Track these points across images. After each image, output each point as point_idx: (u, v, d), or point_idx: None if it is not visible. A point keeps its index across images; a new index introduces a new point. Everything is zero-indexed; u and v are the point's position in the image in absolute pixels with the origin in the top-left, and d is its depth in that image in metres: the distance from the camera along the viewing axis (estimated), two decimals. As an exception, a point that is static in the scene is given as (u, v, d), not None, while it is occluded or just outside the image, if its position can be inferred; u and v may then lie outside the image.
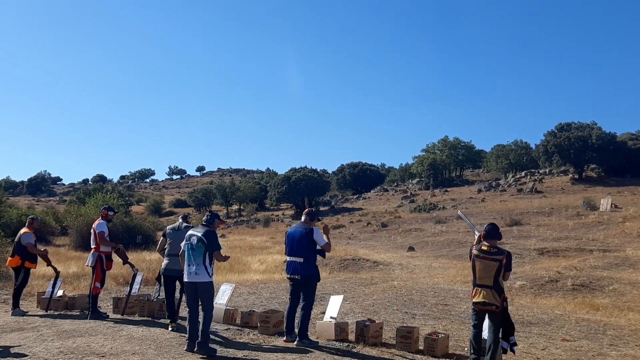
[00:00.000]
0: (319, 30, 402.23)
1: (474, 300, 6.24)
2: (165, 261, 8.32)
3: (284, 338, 7.38)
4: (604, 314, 9.93)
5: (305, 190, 62.12)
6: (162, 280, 8.49)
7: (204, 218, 7.26)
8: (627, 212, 28.82)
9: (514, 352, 6.29)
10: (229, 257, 7.44)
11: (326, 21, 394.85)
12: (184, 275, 6.94)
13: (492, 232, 6.23)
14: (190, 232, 7.06)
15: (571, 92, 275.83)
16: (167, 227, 8.73)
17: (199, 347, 6.66)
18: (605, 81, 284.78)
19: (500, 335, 6.11)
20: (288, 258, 7.48)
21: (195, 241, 6.86)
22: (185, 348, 6.78)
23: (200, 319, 6.78)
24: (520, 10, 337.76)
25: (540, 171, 59.59)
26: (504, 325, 6.14)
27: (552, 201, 38.98)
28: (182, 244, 7.10)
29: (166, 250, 8.37)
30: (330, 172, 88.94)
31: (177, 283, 8.29)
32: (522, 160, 67.08)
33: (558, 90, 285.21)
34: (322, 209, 60.75)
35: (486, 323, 6.33)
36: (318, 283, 7.47)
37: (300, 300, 7.32)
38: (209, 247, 6.80)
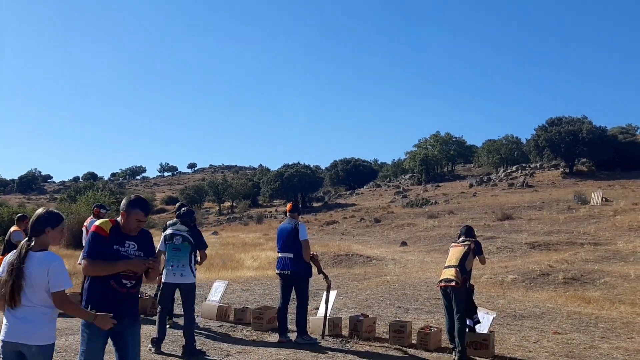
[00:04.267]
0: (310, 26, 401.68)
1: (439, 279, 6.81)
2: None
3: (280, 338, 7.30)
4: (596, 306, 10.00)
5: (298, 187, 62.08)
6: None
7: (178, 212, 7.00)
8: (618, 206, 29.02)
9: (474, 330, 6.66)
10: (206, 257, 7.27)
11: (318, 17, 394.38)
12: (164, 276, 6.74)
13: (467, 232, 7.06)
14: (171, 231, 6.84)
15: (562, 87, 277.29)
16: (167, 223, 8.63)
17: (184, 350, 6.46)
18: (596, 75, 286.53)
19: (465, 315, 6.54)
20: (279, 254, 7.46)
21: (180, 240, 6.68)
22: (152, 349, 6.63)
23: (182, 321, 6.56)
24: (510, 6, 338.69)
25: (531, 165, 59.83)
26: (468, 306, 6.59)
27: (543, 195, 39.16)
28: (160, 244, 6.87)
29: None
30: (323, 168, 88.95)
31: None
32: (513, 154, 67.28)
33: (548, 84, 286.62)
34: (315, 204, 60.79)
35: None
36: (310, 279, 7.46)
37: (296, 298, 7.30)
38: (197, 246, 6.60)
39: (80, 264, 9.09)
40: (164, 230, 8.49)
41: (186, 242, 6.67)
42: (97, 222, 3.95)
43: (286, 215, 7.64)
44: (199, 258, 7.02)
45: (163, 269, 6.72)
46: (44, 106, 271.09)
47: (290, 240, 7.26)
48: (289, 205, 7.70)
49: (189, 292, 6.65)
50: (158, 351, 6.57)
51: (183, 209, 7.17)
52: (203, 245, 6.82)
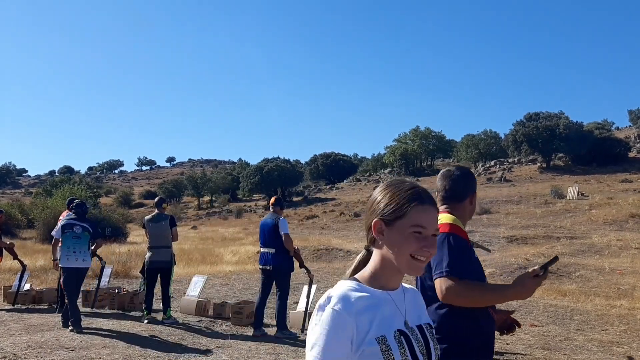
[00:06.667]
0: (290, 21, 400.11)
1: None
2: (148, 254, 8.17)
3: (254, 332, 7.28)
4: (571, 299, 10.16)
5: (278, 181, 61.95)
6: (146, 272, 8.31)
7: (71, 205, 8.10)
8: (593, 200, 29.50)
9: None
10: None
11: (298, 12, 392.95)
12: (64, 262, 7.31)
13: None
14: (69, 222, 7.54)
15: (540, 82, 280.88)
16: (145, 218, 8.52)
17: (72, 324, 7.12)
18: (573, 71, 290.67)
19: None
20: (261, 249, 7.43)
21: (80, 230, 7.45)
22: (62, 326, 7.39)
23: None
24: (490, 3, 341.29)
25: (509, 160, 60.50)
26: None
27: (520, 190, 39.64)
28: (55, 232, 7.68)
29: (148, 242, 8.21)
30: (303, 162, 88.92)
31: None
32: (491, 149, 67.96)
33: (527, 80, 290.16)
34: (295, 199, 60.73)
35: None
36: (292, 273, 7.44)
37: (276, 292, 7.27)
38: (94, 236, 7.58)
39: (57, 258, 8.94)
40: (144, 226, 8.44)
41: (86, 231, 7.45)
42: (448, 219, 2.38)
43: (268, 209, 7.60)
44: (93, 246, 7.77)
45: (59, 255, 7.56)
46: (19, 98, 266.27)
47: (271, 236, 7.23)
48: (272, 199, 7.66)
49: (85, 275, 7.67)
50: (80, 331, 7.11)
51: (75, 201, 8.19)
52: (99, 235, 7.83)
